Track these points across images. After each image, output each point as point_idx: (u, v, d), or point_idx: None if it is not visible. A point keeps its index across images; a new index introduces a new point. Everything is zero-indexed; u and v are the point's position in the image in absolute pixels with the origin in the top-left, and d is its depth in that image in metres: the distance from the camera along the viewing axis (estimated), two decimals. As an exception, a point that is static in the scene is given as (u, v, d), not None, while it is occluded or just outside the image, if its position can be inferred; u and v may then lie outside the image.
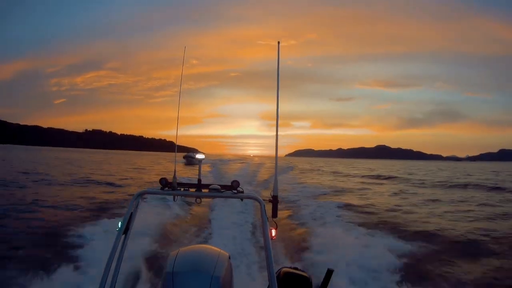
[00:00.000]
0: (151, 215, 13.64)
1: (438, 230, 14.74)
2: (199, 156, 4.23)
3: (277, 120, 3.89)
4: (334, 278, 3.79)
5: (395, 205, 22.10)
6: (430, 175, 59.98)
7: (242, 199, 3.91)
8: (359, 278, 8.46)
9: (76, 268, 8.23)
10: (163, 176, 3.91)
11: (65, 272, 7.92)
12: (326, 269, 3.76)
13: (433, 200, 25.68)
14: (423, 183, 41.22)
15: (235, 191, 3.81)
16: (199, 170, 3.96)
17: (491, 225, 16.32)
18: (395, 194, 29.78)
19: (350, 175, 56.53)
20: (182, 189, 3.88)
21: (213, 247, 3.81)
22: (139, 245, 9.46)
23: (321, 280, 3.73)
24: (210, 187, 3.84)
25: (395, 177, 51.90)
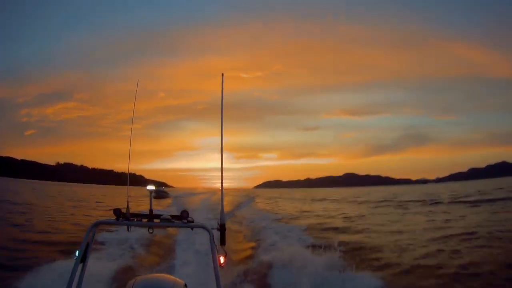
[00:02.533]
0: (112, 244, 13.97)
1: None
2: (149, 187, 4.26)
3: (221, 153, 4.29)
4: None
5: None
6: (366, 196, 74.75)
7: (192, 228, 4.19)
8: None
9: None
10: (117, 207, 4.18)
11: None
12: None
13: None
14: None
15: (185, 221, 4.12)
16: (150, 200, 4.22)
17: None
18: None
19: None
20: (135, 219, 4.17)
21: (169, 276, 4.07)
22: (99, 274, 9.55)
23: None
24: (161, 217, 4.14)
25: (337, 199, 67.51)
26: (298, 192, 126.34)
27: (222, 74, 4.45)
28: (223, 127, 4.32)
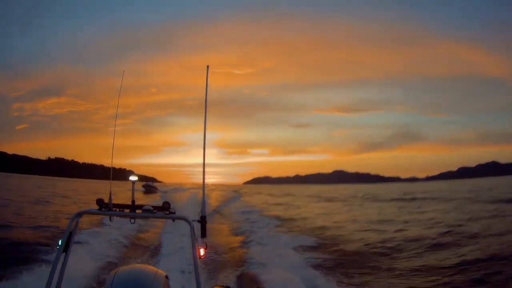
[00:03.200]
0: (97, 236, 14.09)
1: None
2: (132, 178, 4.31)
3: (204, 147, 4.30)
4: None
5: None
6: (335, 193, 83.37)
7: (173, 220, 4.26)
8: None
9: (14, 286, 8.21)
10: (99, 197, 4.20)
11: None
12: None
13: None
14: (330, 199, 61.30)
15: (167, 212, 4.13)
16: (133, 191, 4.21)
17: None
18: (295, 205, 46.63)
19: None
20: (117, 209, 4.23)
21: (151, 267, 4.16)
22: (83, 264, 9.73)
23: None
24: (143, 208, 4.19)
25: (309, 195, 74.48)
26: (279, 189, 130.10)
27: (207, 66, 4.45)
28: (206, 120, 4.33)
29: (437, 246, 16.43)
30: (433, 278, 11.74)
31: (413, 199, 51.73)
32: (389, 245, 17.28)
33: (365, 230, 22.69)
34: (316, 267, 12.62)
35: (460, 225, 21.84)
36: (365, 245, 17.47)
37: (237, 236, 18.71)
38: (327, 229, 22.58)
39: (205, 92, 4.42)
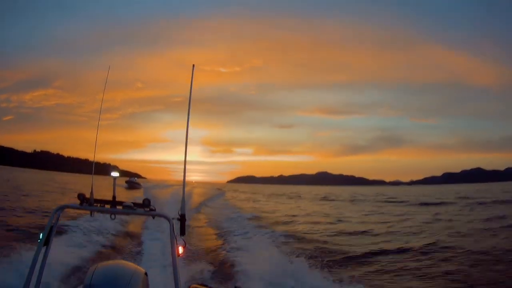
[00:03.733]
0: (77, 232, 14.04)
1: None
2: (113, 173, 4.39)
3: (186, 144, 4.27)
4: None
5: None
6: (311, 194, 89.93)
7: (153, 217, 4.28)
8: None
9: None
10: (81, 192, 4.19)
11: None
12: (234, 286, 4.26)
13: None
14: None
15: (147, 209, 4.12)
16: (114, 187, 4.24)
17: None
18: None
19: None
20: (98, 205, 4.23)
21: (130, 263, 4.18)
22: (63, 257, 9.74)
23: None
24: (124, 204, 4.19)
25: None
26: (261, 188, 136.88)
27: (193, 65, 4.44)
28: (189, 120, 4.35)
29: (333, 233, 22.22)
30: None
31: (354, 200, 62.08)
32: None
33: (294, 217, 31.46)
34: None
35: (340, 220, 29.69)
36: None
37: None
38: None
39: (189, 90, 4.42)
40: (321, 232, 22.39)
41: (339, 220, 29.37)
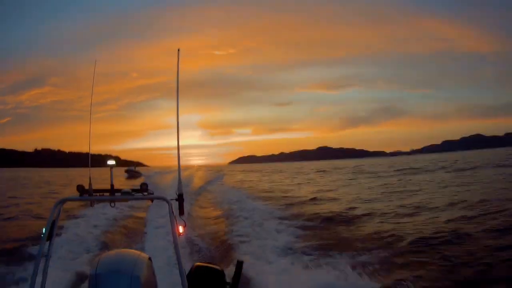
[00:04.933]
0: (79, 224, 14.19)
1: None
2: (109, 162, 4.38)
3: (177, 126, 4.35)
4: (245, 269, 4.59)
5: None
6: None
7: (152, 200, 4.52)
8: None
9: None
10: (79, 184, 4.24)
11: None
12: (236, 261, 4.43)
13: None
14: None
15: (145, 193, 4.24)
16: (111, 175, 4.33)
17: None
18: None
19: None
20: (98, 194, 4.30)
21: (133, 251, 4.16)
22: (71, 251, 10.14)
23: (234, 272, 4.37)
24: (122, 191, 4.25)
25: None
26: (261, 167, 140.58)
27: (178, 50, 4.48)
28: (178, 103, 4.41)
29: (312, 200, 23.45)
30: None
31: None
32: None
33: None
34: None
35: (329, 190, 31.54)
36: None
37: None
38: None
39: (176, 75, 4.50)
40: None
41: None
